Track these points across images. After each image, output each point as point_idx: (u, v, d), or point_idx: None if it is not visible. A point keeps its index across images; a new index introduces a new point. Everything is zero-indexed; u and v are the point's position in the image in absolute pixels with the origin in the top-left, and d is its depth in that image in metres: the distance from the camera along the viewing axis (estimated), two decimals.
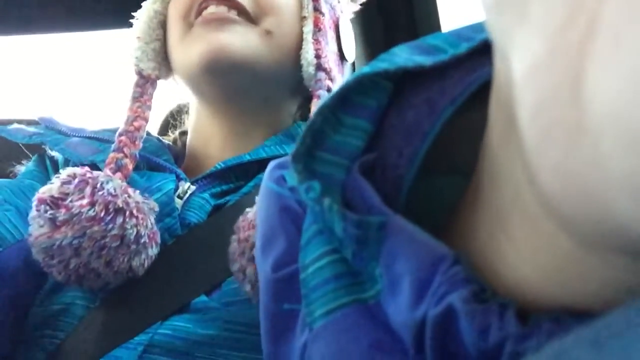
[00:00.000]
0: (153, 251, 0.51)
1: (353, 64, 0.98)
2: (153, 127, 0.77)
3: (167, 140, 0.74)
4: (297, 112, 0.69)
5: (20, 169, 0.64)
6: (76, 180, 0.48)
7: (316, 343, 0.25)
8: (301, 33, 0.62)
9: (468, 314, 0.18)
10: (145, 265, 0.51)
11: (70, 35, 1.05)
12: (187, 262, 0.53)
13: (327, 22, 0.63)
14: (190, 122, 0.69)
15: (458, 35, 0.24)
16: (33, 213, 0.48)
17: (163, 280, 0.52)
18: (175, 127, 0.78)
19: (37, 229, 0.47)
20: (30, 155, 0.65)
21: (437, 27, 0.93)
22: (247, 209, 0.51)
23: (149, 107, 0.60)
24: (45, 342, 0.52)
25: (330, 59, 0.62)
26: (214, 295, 0.52)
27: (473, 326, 0.18)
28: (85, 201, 0.47)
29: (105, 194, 0.48)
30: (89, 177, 0.49)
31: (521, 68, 0.14)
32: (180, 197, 0.57)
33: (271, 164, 0.31)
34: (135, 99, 0.60)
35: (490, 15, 0.16)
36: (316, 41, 0.61)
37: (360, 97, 0.24)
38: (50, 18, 0.98)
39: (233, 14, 0.58)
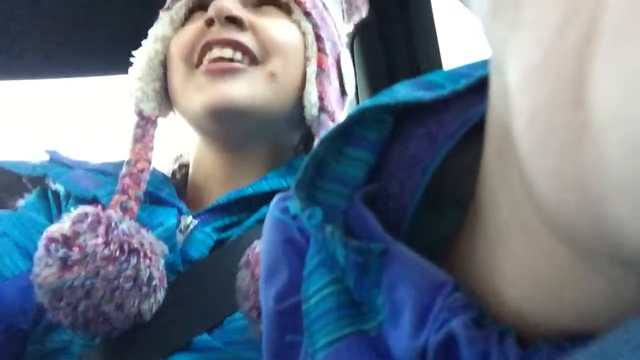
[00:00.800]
0: (161, 295, 0.50)
1: (356, 90, 1.00)
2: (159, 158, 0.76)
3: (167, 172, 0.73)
4: (298, 145, 0.69)
5: (22, 202, 0.63)
6: (89, 219, 0.48)
7: None
8: (305, 73, 0.62)
9: (469, 340, 0.18)
10: (153, 310, 0.49)
11: (72, 81, 1.07)
12: (189, 299, 0.52)
13: (330, 62, 0.64)
14: (191, 158, 0.68)
15: (457, 72, 0.25)
16: (41, 252, 0.46)
17: (164, 318, 0.51)
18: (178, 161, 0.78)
19: (44, 269, 0.46)
20: (32, 188, 0.64)
21: (436, 55, 0.94)
22: (256, 242, 0.51)
23: (151, 149, 0.60)
24: None
25: (332, 100, 0.62)
26: (215, 334, 0.51)
27: (474, 352, 0.18)
28: (100, 240, 0.46)
29: (120, 233, 0.48)
30: (102, 217, 0.48)
31: (517, 74, 0.14)
32: (182, 232, 0.57)
33: (277, 196, 0.32)
34: (137, 140, 0.59)
35: (485, 23, 0.17)
36: (319, 83, 0.61)
37: (362, 130, 0.24)
38: (50, 64, 1.00)
39: (238, 56, 0.58)
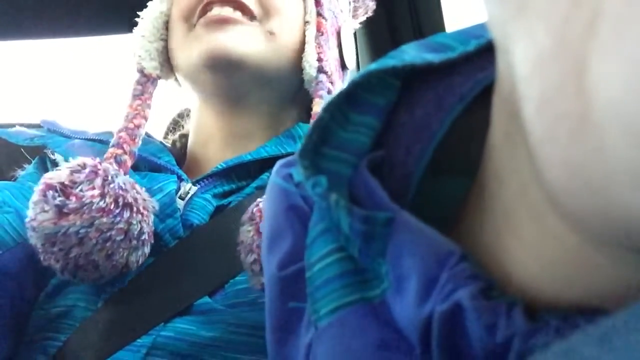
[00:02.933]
0: (148, 249, 0.51)
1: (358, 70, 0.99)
2: (157, 132, 0.77)
3: (167, 142, 0.74)
4: (297, 116, 0.69)
5: (21, 172, 0.63)
6: (87, 170, 0.49)
7: (321, 341, 0.24)
8: (304, 36, 0.63)
9: (475, 311, 0.18)
10: (140, 262, 0.51)
11: (72, 40, 1.05)
12: (190, 263, 0.53)
13: (329, 28, 0.64)
14: (191, 124, 0.69)
15: (467, 33, 0.24)
16: (37, 197, 0.47)
17: (165, 282, 0.52)
18: (177, 131, 0.78)
19: (40, 213, 0.47)
20: (31, 159, 0.64)
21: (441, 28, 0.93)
22: (259, 199, 0.52)
23: (149, 106, 0.60)
24: (46, 345, 0.52)
25: (331, 63, 0.63)
26: (217, 297, 0.52)
27: (480, 323, 0.18)
28: (96, 192, 0.48)
29: (116, 187, 0.49)
30: (99, 169, 0.49)
31: (525, 61, 0.14)
32: (182, 198, 0.57)
33: (279, 163, 0.31)
34: (136, 96, 0.60)
35: (490, 7, 0.16)
36: (318, 45, 0.62)
37: (367, 95, 0.24)
38: (49, 23, 0.98)
39: (237, 15, 0.58)
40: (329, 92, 0.61)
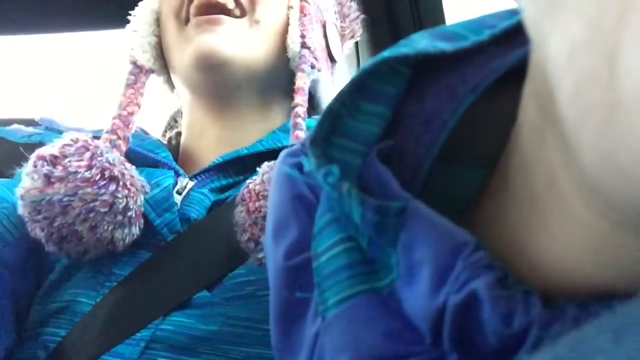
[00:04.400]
0: (135, 230, 0.52)
1: (358, 62, 0.98)
2: (155, 132, 0.77)
3: (164, 140, 0.74)
4: (291, 109, 0.69)
5: (19, 170, 0.63)
6: (78, 144, 0.50)
7: (328, 332, 0.24)
8: (288, 21, 0.64)
9: (492, 300, 0.18)
10: (127, 241, 0.51)
11: (70, 35, 1.05)
12: (188, 257, 0.53)
13: (312, 12, 0.65)
14: (183, 120, 0.69)
15: (480, 22, 0.24)
16: (28, 168, 0.49)
17: (163, 275, 0.52)
18: (174, 129, 0.78)
19: (29, 182, 0.48)
20: (29, 157, 0.64)
21: (441, 19, 0.93)
22: (248, 181, 0.52)
23: (142, 94, 0.61)
24: (46, 340, 0.52)
25: (315, 42, 0.63)
26: (215, 291, 0.52)
27: (496, 312, 0.18)
28: (83, 163, 0.48)
29: (104, 161, 0.50)
30: (90, 144, 0.50)
31: (559, 52, 0.14)
32: (179, 193, 0.57)
33: (284, 152, 0.31)
34: (129, 85, 0.61)
35: (525, 3, 0.17)
36: (302, 24, 0.63)
37: (378, 83, 0.24)
38: (45, 19, 0.98)
39: (230, 4, 0.59)
40: (312, 66, 0.62)
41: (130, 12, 0.66)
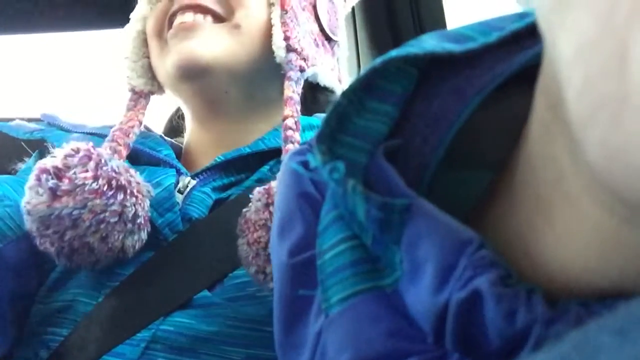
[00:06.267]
0: (144, 235, 0.52)
1: (358, 62, 0.98)
2: (157, 130, 0.77)
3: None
4: None
5: (21, 166, 0.64)
6: (80, 154, 0.49)
7: (332, 329, 0.24)
8: (270, 20, 0.61)
9: (495, 297, 0.18)
10: (136, 247, 0.51)
11: (72, 35, 1.05)
12: (189, 257, 0.53)
13: (295, 3, 0.62)
14: (186, 121, 0.69)
15: (488, 25, 0.24)
16: (32, 182, 0.48)
17: (165, 276, 0.52)
18: (177, 129, 0.78)
19: (35, 197, 0.47)
20: (31, 153, 0.64)
21: (441, 17, 0.93)
22: (244, 210, 0.51)
23: (143, 114, 0.62)
24: (48, 339, 0.52)
25: (302, 39, 0.61)
26: (216, 291, 0.52)
27: (500, 310, 0.18)
28: (89, 174, 0.48)
29: (109, 170, 0.49)
30: (93, 153, 0.50)
31: (569, 48, 0.15)
32: (180, 192, 0.57)
33: (292, 150, 0.31)
34: (129, 109, 0.61)
35: (535, 1, 0.17)
36: (284, 24, 0.60)
37: (385, 83, 0.24)
38: (47, 18, 0.98)
39: (199, 18, 0.58)
40: (301, 69, 0.60)
41: (130, 12, 0.65)
